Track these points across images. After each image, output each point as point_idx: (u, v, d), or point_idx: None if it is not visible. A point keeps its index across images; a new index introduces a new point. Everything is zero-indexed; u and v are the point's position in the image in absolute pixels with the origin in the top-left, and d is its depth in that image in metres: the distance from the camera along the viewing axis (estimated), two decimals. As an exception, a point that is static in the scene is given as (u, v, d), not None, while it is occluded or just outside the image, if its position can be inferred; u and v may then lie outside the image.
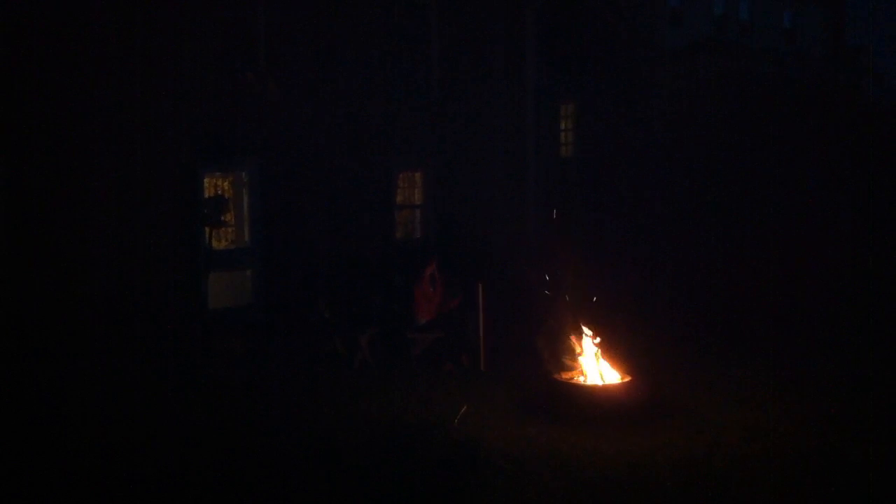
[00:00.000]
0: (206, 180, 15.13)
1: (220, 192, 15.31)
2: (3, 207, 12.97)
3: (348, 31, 16.35)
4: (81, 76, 13.43)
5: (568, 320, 11.36)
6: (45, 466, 9.26)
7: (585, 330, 11.17)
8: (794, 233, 16.96)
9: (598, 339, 11.15)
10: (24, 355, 12.44)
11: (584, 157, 22.42)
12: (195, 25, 14.44)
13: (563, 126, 23.19)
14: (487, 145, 18.50)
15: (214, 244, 14.67)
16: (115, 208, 13.67)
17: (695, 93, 21.33)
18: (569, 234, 18.60)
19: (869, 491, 8.61)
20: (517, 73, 19.05)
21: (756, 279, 16.35)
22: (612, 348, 11.26)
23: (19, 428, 10.45)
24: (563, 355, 11.40)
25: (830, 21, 29.49)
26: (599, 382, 11.02)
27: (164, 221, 14.19)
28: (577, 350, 11.23)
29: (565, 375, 11.26)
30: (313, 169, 15.97)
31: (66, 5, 13.25)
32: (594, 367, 11.12)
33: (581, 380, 11.11)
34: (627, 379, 10.98)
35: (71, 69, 13.34)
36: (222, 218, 14.39)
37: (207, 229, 14.23)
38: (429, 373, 13.00)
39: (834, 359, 13.20)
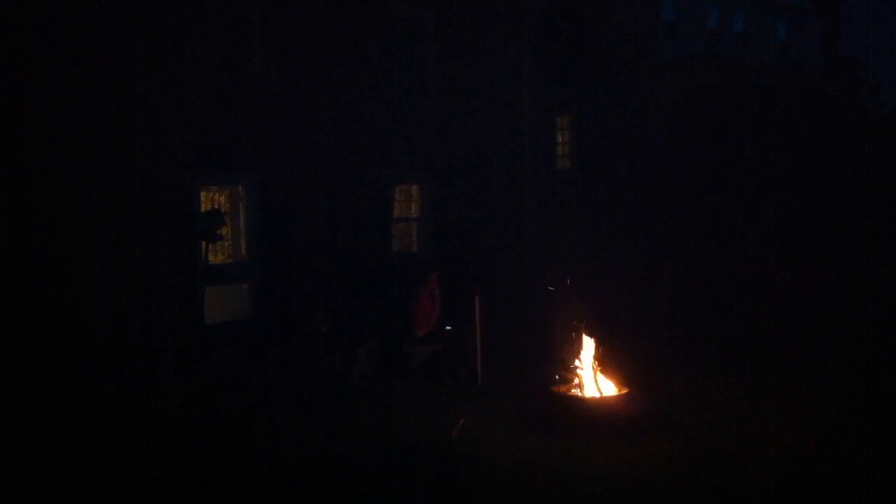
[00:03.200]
0: (202, 194, 15.10)
1: (216, 205, 15.28)
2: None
3: (346, 45, 16.37)
4: (79, 84, 13.40)
5: (569, 331, 11.35)
6: (42, 477, 9.24)
7: (585, 341, 11.16)
8: (792, 242, 16.96)
9: (597, 351, 11.14)
10: (20, 367, 12.39)
11: (581, 168, 22.44)
12: (192, 36, 14.43)
13: (559, 138, 23.21)
14: (485, 157, 18.51)
15: (210, 258, 14.63)
16: (110, 222, 13.63)
17: (691, 105, 21.36)
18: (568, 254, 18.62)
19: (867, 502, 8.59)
20: (514, 86, 19.08)
21: (754, 289, 16.34)
22: (610, 360, 11.24)
23: (17, 439, 10.42)
24: (564, 366, 11.39)
25: (825, 33, 29.59)
26: (597, 395, 11.00)
27: (161, 235, 14.15)
28: (576, 361, 11.22)
29: (563, 388, 11.23)
30: (310, 182, 15.97)
31: (65, 15, 13.24)
32: (592, 378, 11.09)
33: (578, 392, 11.09)
34: (625, 391, 10.96)
35: (68, 78, 13.32)
36: (218, 232, 14.35)
37: (203, 243, 14.19)
38: (427, 386, 12.96)
39: (833, 370, 13.17)
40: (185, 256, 14.42)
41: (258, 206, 15.54)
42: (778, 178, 18.20)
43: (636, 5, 23.45)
